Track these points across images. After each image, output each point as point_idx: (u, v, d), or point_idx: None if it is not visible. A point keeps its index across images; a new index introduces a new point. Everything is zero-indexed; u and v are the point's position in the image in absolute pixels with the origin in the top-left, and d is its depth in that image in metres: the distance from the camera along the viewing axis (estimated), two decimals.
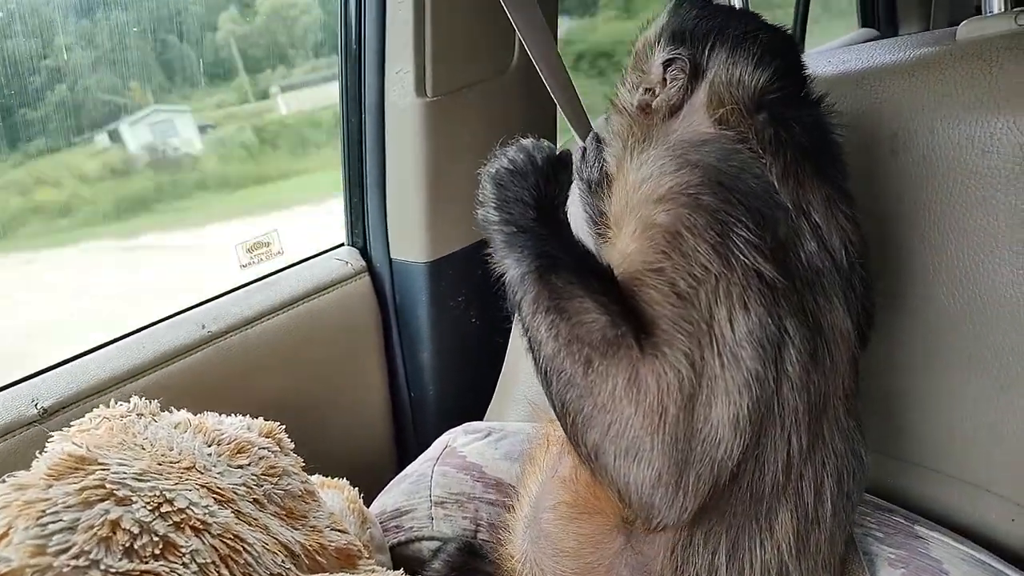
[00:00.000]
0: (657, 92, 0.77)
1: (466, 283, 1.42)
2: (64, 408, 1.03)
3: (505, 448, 1.10)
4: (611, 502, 0.68)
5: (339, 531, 0.87)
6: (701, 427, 0.59)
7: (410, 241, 1.38)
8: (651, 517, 0.61)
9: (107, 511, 0.62)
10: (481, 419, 1.31)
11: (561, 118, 0.95)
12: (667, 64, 0.76)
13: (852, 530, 0.75)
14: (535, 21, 0.87)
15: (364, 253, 1.44)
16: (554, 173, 0.71)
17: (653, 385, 0.59)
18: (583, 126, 0.91)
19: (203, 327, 1.19)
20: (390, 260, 1.42)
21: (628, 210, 0.69)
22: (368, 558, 0.89)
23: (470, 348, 1.47)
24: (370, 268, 1.43)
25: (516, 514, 0.87)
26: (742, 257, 0.60)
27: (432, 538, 1.03)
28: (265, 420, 0.95)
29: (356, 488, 1.08)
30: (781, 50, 0.75)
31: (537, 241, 0.66)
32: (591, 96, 1.21)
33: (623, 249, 0.67)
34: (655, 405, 0.59)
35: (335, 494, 1.03)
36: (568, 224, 0.71)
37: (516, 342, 1.27)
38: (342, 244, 1.46)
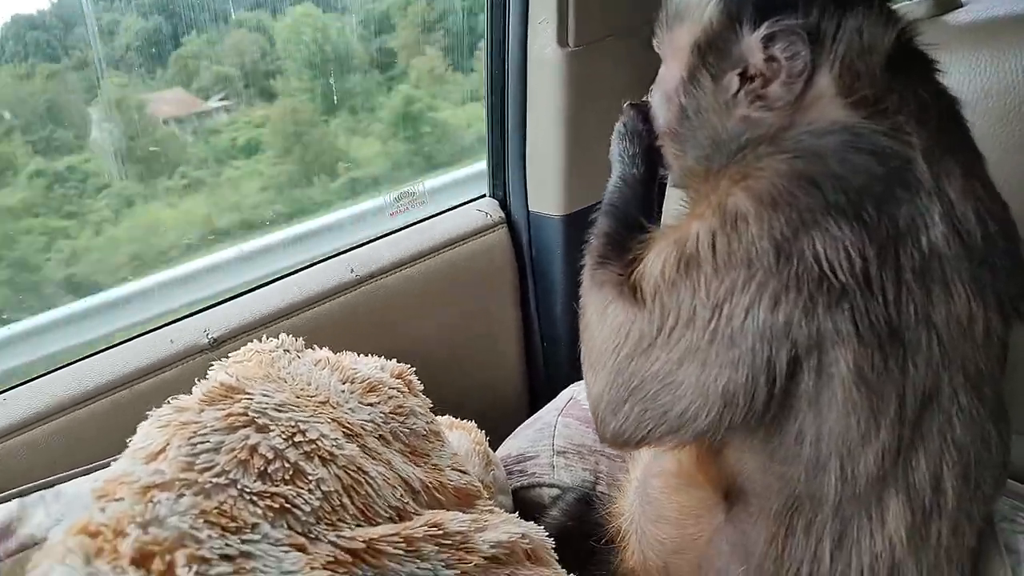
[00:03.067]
0: (761, 77, 0.64)
1: None
2: (232, 338, 1.15)
3: None
4: (713, 479, 0.68)
5: (460, 471, 0.91)
6: (664, 377, 0.62)
7: (548, 194, 1.39)
8: (596, 426, 0.70)
9: (247, 436, 0.69)
10: None
11: None
12: (768, 40, 0.62)
13: (991, 525, 0.69)
14: None
15: (503, 205, 1.47)
16: (636, 128, 0.83)
17: (614, 323, 0.66)
18: None
19: (352, 270, 1.28)
20: (528, 212, 1.44)
21: (705, 195, 0.66)
22: (488, 499, 0.94)
23: None
24: (508, 220, 1.46)
25: (629, 475, 0.88)
26: (810, 261, 0.56)
27: (553, 485, 1.06)
28: (404, 361, 1.01)
29: (483, 431, 1.13)
30: None
31: (609, 194, 0.82)
32: None
33: (685, 225, 0.65)
34: (612, 338, 0.66)
35: (463, 435, 1.09)
36: (642, 176, 0.81)
37: None
38: (484, 195, 1.50)
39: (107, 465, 0.83)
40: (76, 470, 0.87)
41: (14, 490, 0.82)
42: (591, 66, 1.30)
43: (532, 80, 1.35)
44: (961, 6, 1.08)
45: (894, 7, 1.11)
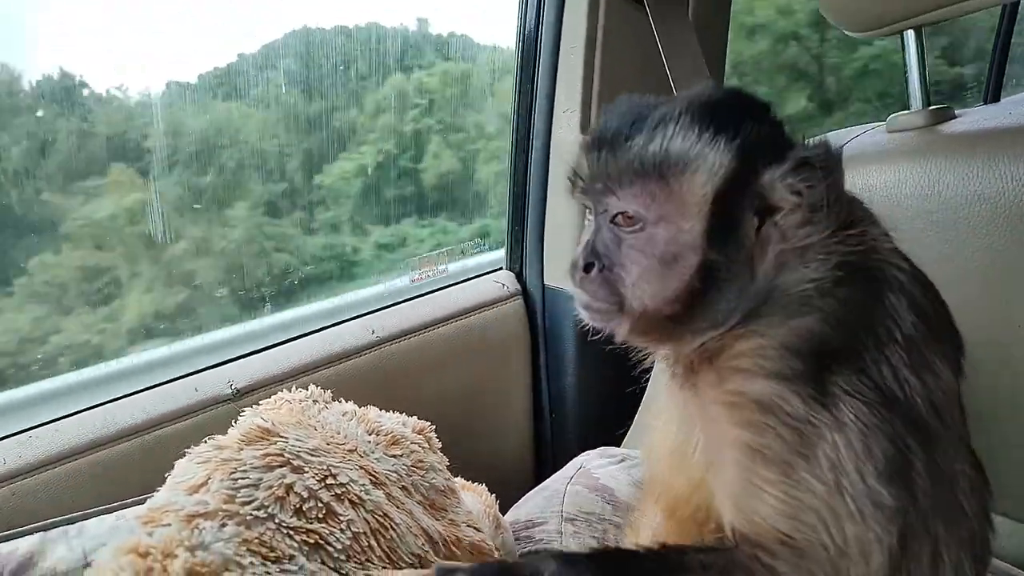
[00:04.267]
0: (782, 211, 0.62)
1: None
2: (253, 390, 1.18)
3: (638, 475, 1.13)
4: None
5: (475, 528, 0.93)
6: None
7: (563, 269, 1.45)
8: None
9: (284, 476, 0.72)
10: (618, 446, 1.34)
11: None
12: (786, 176, 0.61)
13: None
14: (697, 72, 0.90)
15: (520, 277, 1.54)
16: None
17: None
18: None
19: (372, 332, 1.33)
20: (543, 285, 1.50)
21: (716, 369, 0.64)
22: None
23: (612, 376, 1.50)
24: (524, 291, 1.52)
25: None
26: (847, 397, 0.57)
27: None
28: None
29: (493, 495, 1.15)
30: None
31: None
32: None
33: (715, 431, 0.63)
34: None
35: (473, 498, 1.11)
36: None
37: (657, 376, 1.30)
38: (501, 267, 1.56)
39: (133, 504, 0.86)
40: (98, 508, 0.89)
41: (37, 524, 0.83)
42: None
43: (554, 163, 1.44)
44: (955, 117, 1.17)
45: (894, 116, 1.21)
